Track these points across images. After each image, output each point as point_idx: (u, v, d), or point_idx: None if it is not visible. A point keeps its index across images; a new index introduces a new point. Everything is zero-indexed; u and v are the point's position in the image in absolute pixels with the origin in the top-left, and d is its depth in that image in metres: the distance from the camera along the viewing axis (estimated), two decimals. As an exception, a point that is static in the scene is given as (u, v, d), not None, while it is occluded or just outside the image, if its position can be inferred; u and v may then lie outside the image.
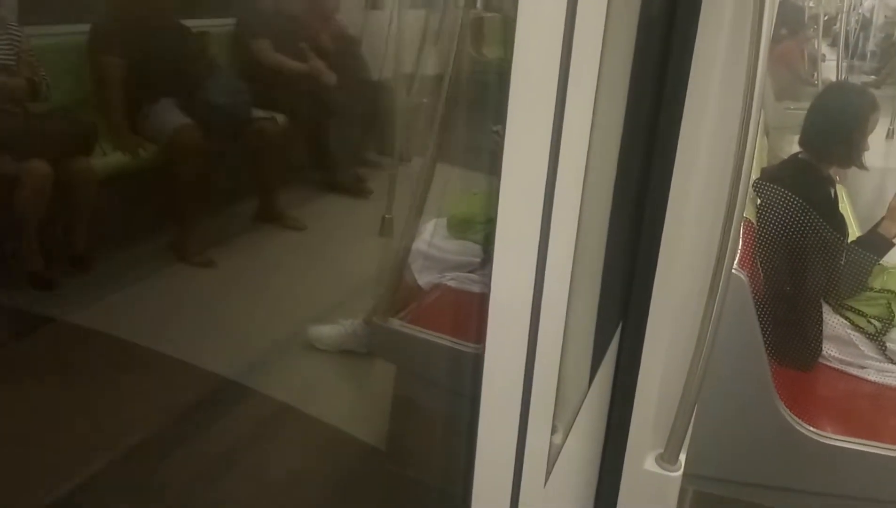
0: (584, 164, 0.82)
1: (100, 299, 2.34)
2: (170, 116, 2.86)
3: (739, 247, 1.60)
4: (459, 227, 2.11)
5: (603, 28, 0.75)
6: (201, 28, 3.19)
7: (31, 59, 2.42)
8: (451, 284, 2.01)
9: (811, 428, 1.65)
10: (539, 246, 0.71)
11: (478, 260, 2.03)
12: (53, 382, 2.02)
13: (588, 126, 0.80)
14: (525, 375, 0.76)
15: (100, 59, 2.72)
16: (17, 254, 2.28)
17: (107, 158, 2.56)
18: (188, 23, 3.06)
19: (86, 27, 2.67)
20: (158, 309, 2.40)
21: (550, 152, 0.69)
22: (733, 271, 1.29)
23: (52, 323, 2.20)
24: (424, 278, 2.04)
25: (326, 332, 2.36)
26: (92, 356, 2.15)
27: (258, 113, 3.15)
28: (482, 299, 0.77)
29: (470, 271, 2.02)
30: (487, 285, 0.75)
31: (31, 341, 2.14)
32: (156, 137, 2.79)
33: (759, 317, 1.60)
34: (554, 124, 0.69)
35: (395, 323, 1.85)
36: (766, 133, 2.84)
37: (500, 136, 0.73)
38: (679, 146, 1.14)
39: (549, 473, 0.90)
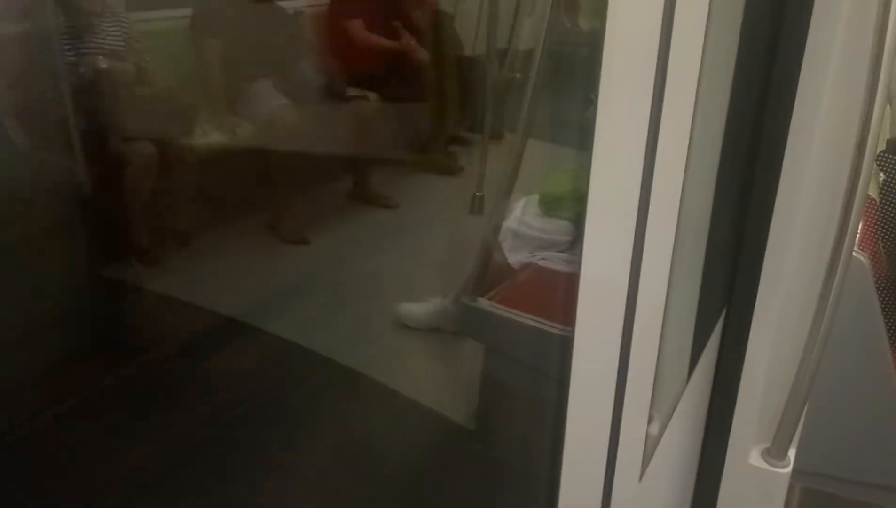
0: (687, 135, 0.75)
1: (200, 275, 2.44)
2: (267, 96, 2.92)
3: (861, 227, 1.47)
4: (552, 204, 2.04)
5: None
6: (296, 9, 3.24)
7: (138, 44, 2.53)
8: (543, 263, 1.96)
9: (939, 426, 1.51)
10: (637, 224, 0.66)
11: (570, 239, 1.97)
12: (156, 352, 2.11)
13: (693, 93, 0.73)
14: (620, 361, 0.71)
15: (200, 41, 2.81)
16: (124, 231, 2.40)
17: (207, 139, 2.65)
18: (283, 4, 3.12)
19: (187, 11, 2.76)
20: (255, 286, 2.47)
21: (650, 121, 0.63)
22: (853, 253, 1.18)
23: (156, 296, 2.31)
24: (515, 257, 2.00)
25: (416, 310, 2.36)
26: (192, 329, 2.24)
27: (351, 92, 3.18)
28: (574, 280, 0.72)
29: (562, 251, 1.96)
30: (578, 264, 0.70)
31: (135, 313, 2.26)
32: (254, 117, 2.87)
33: (882, 304, 1.47)
34: (654, 90, 0.63)
35: (485, 303, 1.82)
36: (891, 102, 2.61)
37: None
38: (794, 114, 1.04)
39: (644, 467, 0.84)
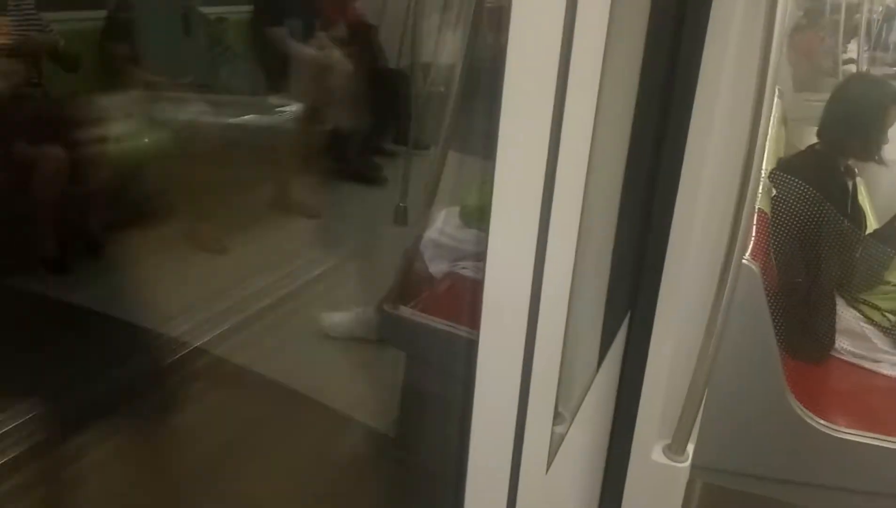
0: (587, 148, 0.81)
1: (113, 284, 2.36)
2: (187, 102, 2.87)
3: (752, 237, 1.58)
4: (472, 215, 2.10)
5: (608, 9, 0.73)
6: (218, 14, 3.19)
7: (49, 31, 2.44)
8: (463, 272, 2.00)
9: (822, 422, 1.63)
10: (539, 231, 0.71)
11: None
12: (62, 365, 2.04)
13: (592, 109, 0.79)
14: (524, 361, 0.75)
15: (107, 45, 2.73)
16: (32, 238, 2.30)
17: (120, 144, 2.58)
18: (205, 9, 3.07)
19: (100, 13, 2.68)
20: (170, 295, 2.41)
21: (551, 137, 0.68)
22: (744, 261, 1.28)
23: (66, 307, 2.23)
24: (436, 267, 2.04)
25: (338, 319, 2.36)
26: (103, 340, 2.17)
27: (274, 101, 3.16)
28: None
29: (480, 260, 2.01)
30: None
31: (43, 324, 2.17)
32: (170, 123, 2.81)
33: (772, 309, 1.58)
34: (554, 108, 0.68)
35: (406, 311, 1.85)
36: (785, 124, 2.80)
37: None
38: (690, 133, 1.13)
39: (550, 460, 0.89)
